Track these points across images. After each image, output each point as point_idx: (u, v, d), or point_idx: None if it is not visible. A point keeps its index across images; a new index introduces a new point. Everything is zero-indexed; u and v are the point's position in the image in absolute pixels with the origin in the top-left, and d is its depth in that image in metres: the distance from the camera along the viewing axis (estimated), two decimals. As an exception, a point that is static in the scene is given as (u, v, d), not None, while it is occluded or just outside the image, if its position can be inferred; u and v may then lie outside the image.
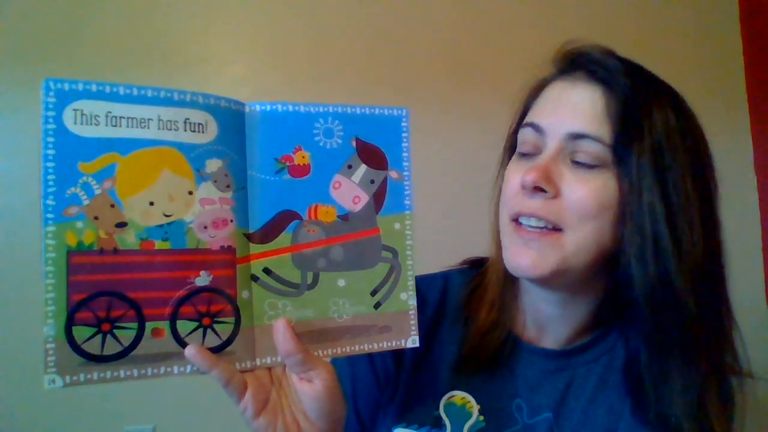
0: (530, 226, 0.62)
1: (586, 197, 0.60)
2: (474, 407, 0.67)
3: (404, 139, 0.58)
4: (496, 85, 1.68)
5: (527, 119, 0.67)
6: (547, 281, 0.64)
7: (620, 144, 0.60)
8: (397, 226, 0.58)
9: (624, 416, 0.66)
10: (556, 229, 0.61)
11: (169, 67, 1.55)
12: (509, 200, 0.64)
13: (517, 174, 0.63)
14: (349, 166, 0.56)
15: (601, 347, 0.70)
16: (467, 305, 0.72)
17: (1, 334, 1.43)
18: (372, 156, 0.57)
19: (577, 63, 0.65)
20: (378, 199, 0.57)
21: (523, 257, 0.61)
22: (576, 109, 0.62)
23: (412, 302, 0.58)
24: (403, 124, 0.58)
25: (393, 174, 0.58)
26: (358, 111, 0.57)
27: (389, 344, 0.57)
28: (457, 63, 1.72)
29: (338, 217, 0.55)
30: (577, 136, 0.61)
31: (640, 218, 0.59)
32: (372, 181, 0.57)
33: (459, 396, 0.68)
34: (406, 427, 0.68)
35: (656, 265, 0.60)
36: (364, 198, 0.57)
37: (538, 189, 0.60)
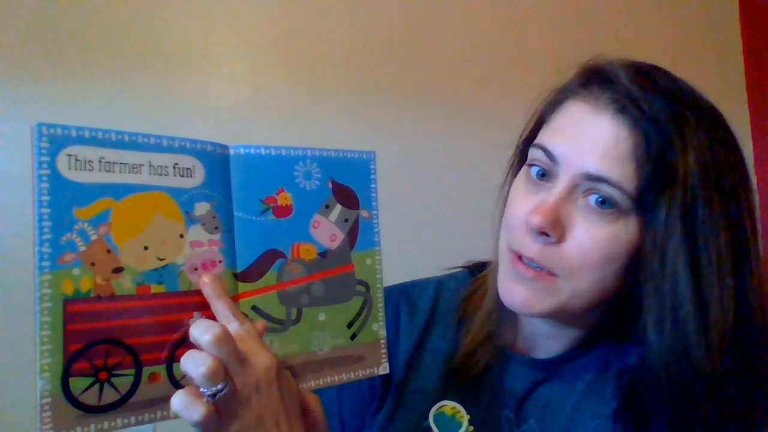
0: (529, 263, 0.58)
1: (591, 248, 0.55)
2: (464, 417, 0.67)
3: (372, 181, 0.62)
4: (502, 84, 1.73)
5: (541, 138, 0.60)
6: (543, 317, 0.62)
7: (648, 192, 0.53)
8: (368, 261, 0.61)
9: (604, 418, 0.63)
10: (552, 273, 0.57)
11: (169, 67, 1.49)
12: (511, 229, 0.60)
13: (524, 204, 0.59)
14: (327, 206, 0.59)
15: (593, 356, 0.67)
16: (462, 308, 0.71)
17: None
18: (346, 196, 0.60)
19: (604, 85, 0.57)
20: (352, 236, 0.61)
21: (517, 294, 0.59)
22: (597, 145, 0.55)
23: (383, 332, 0.62)
24: (371, 166, 0.63)
25: (364, 213, 0.61)
26: (333, 154, 0.60)
27: (363, 372, 0.60)
28: (461, 62, 1.72)
29: (318, 254, 0.58)
30: (595, 178, 0.54)
31: (662, 282, 0.54)
32: (346, 220, 0.60)
33: (449, 405, 0.68)
34: None
35: (675, 335, 0.54)
36: (340, 236, 0.60)
37: (543, 233, 0.56)
